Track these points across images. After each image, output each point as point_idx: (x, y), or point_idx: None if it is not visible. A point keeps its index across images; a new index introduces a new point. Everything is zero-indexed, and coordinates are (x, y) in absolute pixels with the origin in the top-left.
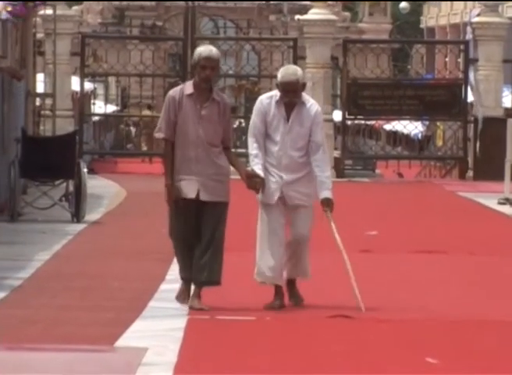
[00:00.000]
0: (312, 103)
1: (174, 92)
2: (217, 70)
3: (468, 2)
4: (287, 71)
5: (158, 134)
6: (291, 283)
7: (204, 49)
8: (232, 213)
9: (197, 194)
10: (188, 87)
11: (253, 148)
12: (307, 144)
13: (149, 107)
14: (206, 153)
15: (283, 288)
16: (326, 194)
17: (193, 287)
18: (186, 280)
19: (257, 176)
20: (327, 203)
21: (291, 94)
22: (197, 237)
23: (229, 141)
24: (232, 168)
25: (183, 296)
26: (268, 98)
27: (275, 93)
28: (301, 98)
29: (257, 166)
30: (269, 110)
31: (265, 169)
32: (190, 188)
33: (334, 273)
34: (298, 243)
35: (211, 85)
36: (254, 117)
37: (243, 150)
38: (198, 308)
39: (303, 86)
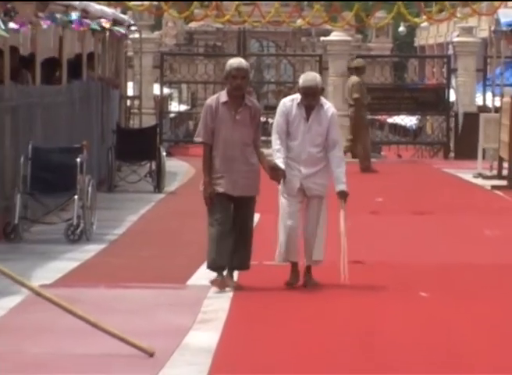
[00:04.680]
0: (329, 106)
1: (211, 101)
2: (247, 79)
3: (450, 26)
4: (307, 77)
5: (197, 139)
6: (307, 269)
7: (235, 61)
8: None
9: (233, 190)
10: (223, 95)
11: (276, 143)
12: (324, 142)
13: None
14: (241, 152)
15: (299, 265)
16: (341, 187)
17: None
18: (220, 268)
19: (279, 168)
20: (342, 195)
21: (310, 97)
22: (231, 226)
23: (258, 140)
24: None
25: (217, 283)
26: (290, 101)
27: (297, 96)
28: (319, 101)
29: (279, 160)
30: (291, 111)
31: (286, 164)
32: (228, 184)
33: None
34: (313, 229)
35: (243, 93)
36: (278, 117)
37: None
38: (235, 286)
39: (321, 90)
